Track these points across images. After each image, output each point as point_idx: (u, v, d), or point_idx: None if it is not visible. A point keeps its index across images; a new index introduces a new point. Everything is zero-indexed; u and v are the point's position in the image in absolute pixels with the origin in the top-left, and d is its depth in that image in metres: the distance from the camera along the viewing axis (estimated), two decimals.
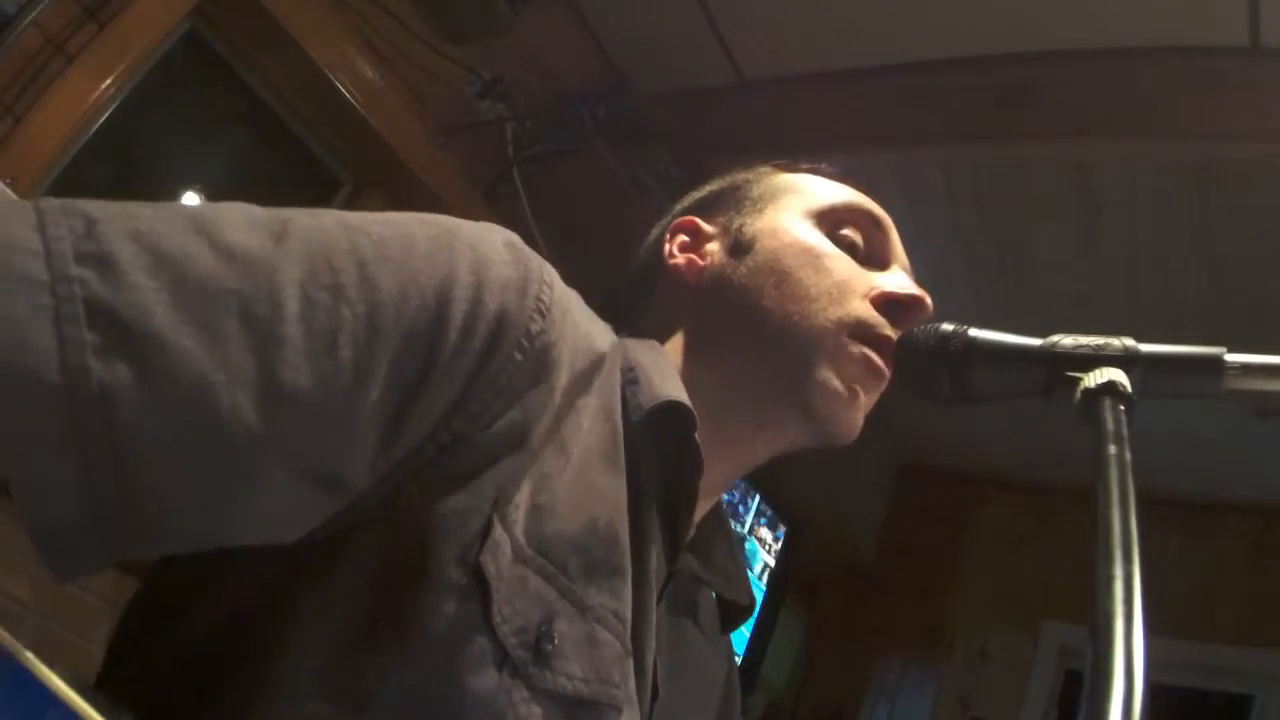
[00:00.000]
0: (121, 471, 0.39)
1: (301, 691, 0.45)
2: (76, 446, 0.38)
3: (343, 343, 0.45)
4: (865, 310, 0.67)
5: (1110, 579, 0.41)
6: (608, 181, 2.22)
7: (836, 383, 0.66)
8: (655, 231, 0.80)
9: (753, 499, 3.10)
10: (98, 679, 0.52)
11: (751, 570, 3.12)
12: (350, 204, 2.22)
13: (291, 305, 0.44)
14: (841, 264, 0.69)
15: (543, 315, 0.53)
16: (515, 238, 0.56)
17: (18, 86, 1.55)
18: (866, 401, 0.69)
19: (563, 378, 0.54)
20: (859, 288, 0.68)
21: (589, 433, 0.57)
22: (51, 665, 0.35)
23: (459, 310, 0.49)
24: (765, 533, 3.19)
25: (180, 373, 0.40)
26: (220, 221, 0.45)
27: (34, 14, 1.53)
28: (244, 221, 0.46)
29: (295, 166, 2.14)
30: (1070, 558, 3.22)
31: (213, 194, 2.03)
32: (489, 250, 0.53)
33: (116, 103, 1.75)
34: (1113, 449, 0.47)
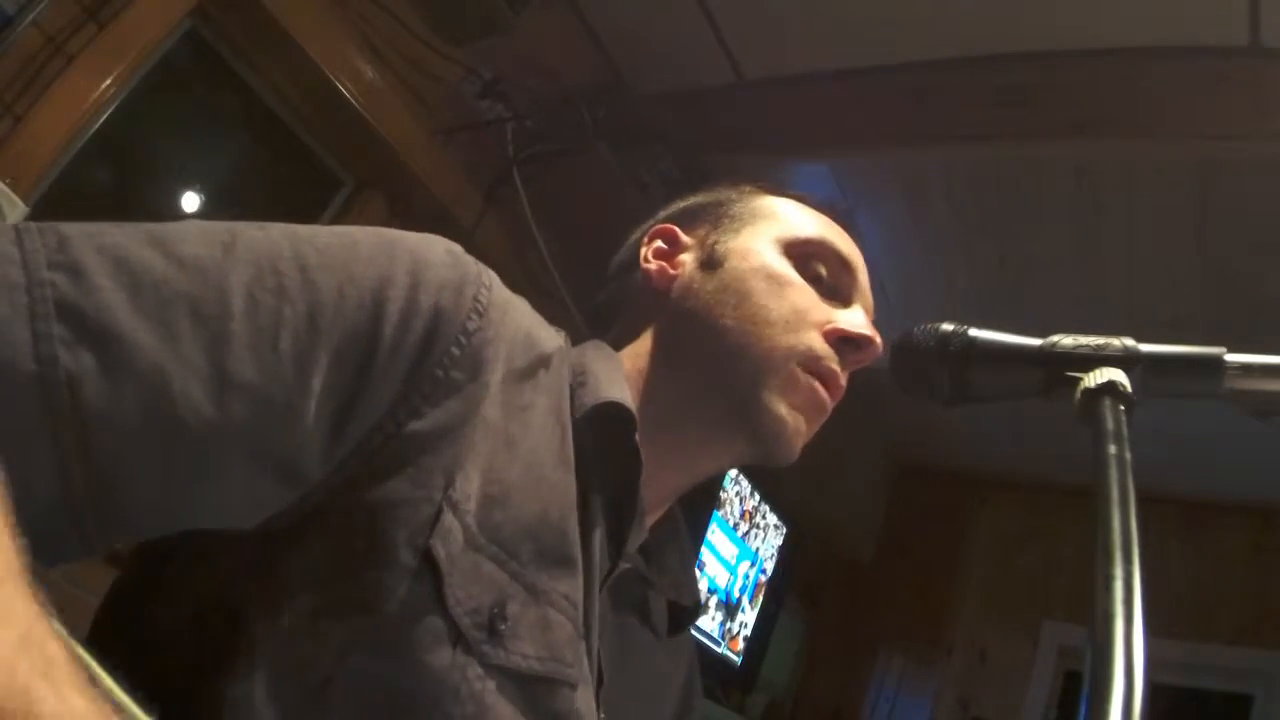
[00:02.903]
0: (87, 453, 0.44)
1: (260, 680, 0.48)
2: (50, 430, 0.43)
3: (284, 337, 0.50)
4: (817, 342, 0.70)
5: (1110, 579, 0.41)
6: (608, 181, 2.22)
7: (782, 408, 0.69)
8: (636, 234, 0.83)
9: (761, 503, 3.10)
10: None
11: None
12: (350, 204, 2.21)
13: (238, 304, 0.49)
14: (802, 294, 0.72)
15: (480, 314, 0.57)
16: (457, 247, 0.60)
17: (18, 86, 1.55)
18: (807, 431, 0.71)
19: (499, 373, 0.58)
20: (815, 319, 0.71)
21: (539, 430, 0.60)
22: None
23: (395, 308, 0.53)
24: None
25: (138, 362, 0.45)
26: (175, 235, 0.50)
27: (34, 14, 1.53)
28: (197, 235, 0.51)
29: (295, 166, 2.14)
30: (1070, 558, 3.23)
31: (213, 194, 2.02)
32: (428, 254, 0.57)
33: (116, 103, 1.74)
34: (1113, 449, 0.47)
